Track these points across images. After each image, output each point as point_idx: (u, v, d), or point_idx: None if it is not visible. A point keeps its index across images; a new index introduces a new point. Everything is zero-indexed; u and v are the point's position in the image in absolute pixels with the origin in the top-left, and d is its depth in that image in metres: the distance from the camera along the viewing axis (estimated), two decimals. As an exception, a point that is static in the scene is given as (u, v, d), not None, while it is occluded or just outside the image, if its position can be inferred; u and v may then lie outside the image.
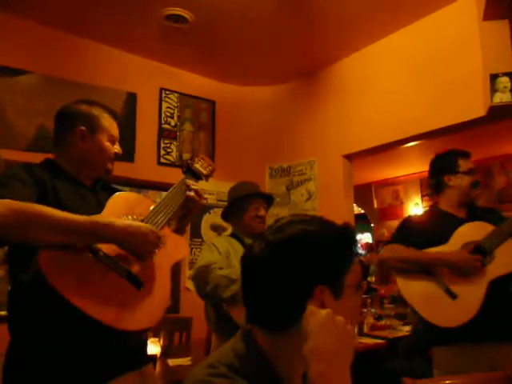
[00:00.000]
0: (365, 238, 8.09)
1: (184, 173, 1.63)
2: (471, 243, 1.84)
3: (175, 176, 3.70)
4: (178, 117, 3.89)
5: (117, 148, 1.44)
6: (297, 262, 0.75)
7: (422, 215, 2.23)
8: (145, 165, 3.58)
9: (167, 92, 3.85)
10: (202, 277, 1.92)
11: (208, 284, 1.89)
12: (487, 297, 1.74)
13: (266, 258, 0.76)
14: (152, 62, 3.78)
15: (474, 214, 1.99)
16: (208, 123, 4.08)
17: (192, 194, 1.51)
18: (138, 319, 1.14)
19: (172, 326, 3.11)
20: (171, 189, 1.49)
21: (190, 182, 1.56)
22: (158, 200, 1.45)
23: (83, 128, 1.35)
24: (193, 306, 2.19)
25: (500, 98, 2.51)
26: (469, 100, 2.77)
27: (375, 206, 7.11)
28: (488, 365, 1.67)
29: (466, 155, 2.10)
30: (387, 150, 3.58)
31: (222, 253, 2.05)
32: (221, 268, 1.93)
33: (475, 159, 6.37)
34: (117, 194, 1.40)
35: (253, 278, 0.80)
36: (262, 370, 0.74)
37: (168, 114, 3.83)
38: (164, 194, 1.49)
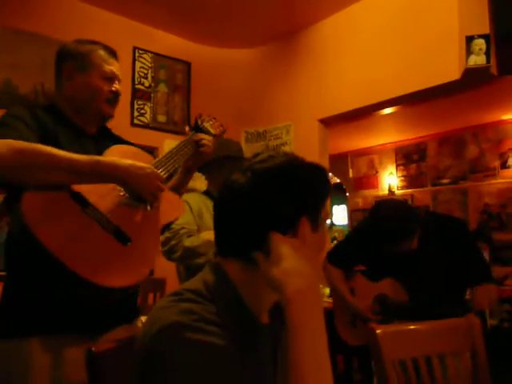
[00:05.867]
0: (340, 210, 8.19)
1: (191, 130, 1.53)
2: (384, 297, 2.01)
3: (149, 138, 3.66)
4: (152, 77, 3.78)
5: (114, 86, 1.31)
6: (284, 191, 0.74)
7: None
8: (117, 126, 3.43)
9: (141, 51, 3.72)
10: (169, 244, 1.90)
11: (175, 252, 1.89)
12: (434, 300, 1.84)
13: (252, 186, 0.74)
14: (125, 19, 3.63)
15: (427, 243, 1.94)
16: (183, 85, 3.98)
17: (205, 149, 1.45)
18: (117, 276, 1.10)
19: (146, 287, 3.14)
20: (176, 146, 1.42)
21: (201, 135, 1.48)
22: (160, 156, 1.37)
23: (69, 66, 1.27)
24: (167, 267, 2.19)
25: (475, 60, 2.53)
26: (444, 62, 2.77)
27: (351, 175, 7.17)
28: None
29: None
30: (363, 115, 3.59)
31: (195, 211, 2.03)
32: (189, 235, 1.91)
33: (448, 129, 6.46)
34: (114, 146, 1.32)
35: (234, 209, 0.76)
36: (231, 299, 0.74)
37: (142, 75, 3.71)
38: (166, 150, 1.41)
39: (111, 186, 1.20)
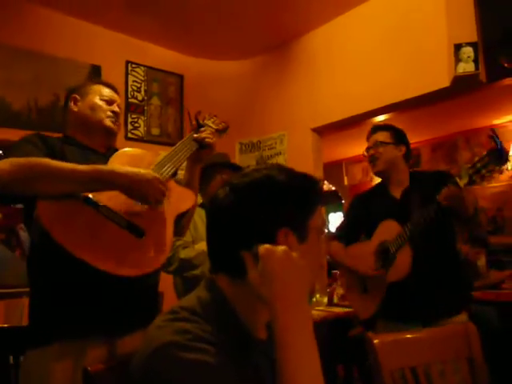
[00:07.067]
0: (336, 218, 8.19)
1: (193, 130, 1.57)
2: (384, 243, 1.94)
3: (143, 151, 3.64)
4: (145, 91, 3.79)
5: (115, 108, 1.46)
6: (259, 204, 0.74)
7: (366, 193, 2.27)
8: (112, 140, 3.48)
9: (133, 65, 3.74)
10: None
11: (171, 265, 1.92)
12: (416, 280, 1.83)
13: (230, 202, 0.76)
14: (117, 33, 3.64)
15: (417, 184, 1.99)
16: (176, 98, 4.00)
17: (208, 141, 1.48)
18: (137, 265, 1.16)
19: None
20: (178, 143, 1.48)
21: (202, 130, 1.52)
22: (164, 154, 1.43)
23: (74, 96, 1.45)
24: (164, 281, 2.19)
25: (464, 68, 2.56)
26: (434, 70, 2.80)
27: (346, 182, 7.20)
28: None
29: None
30: (356, 123, 3.60)
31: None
32: (185, 247, 1.92)
33: (441, 135, 6.47)
34: (120, 150, 1.41)
35: (217, 225, 0.79)
36: (225, 316, 0.74)
37: (135, 88, 3.73)
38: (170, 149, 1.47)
39: None
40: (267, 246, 0.70)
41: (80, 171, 1.14)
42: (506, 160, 1.60)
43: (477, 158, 1.64)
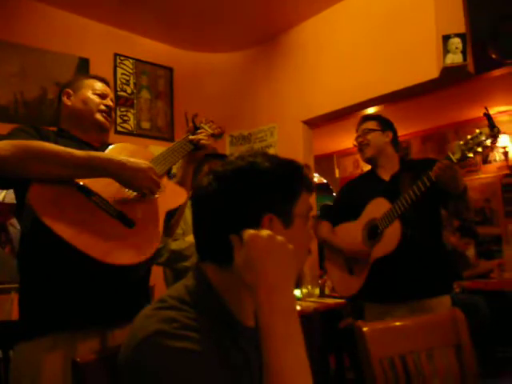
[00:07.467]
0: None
1: (190, 132, 1.59)
2: (373, 220, 1.96)
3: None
4: (135, 84, 3.76)
5: (108, 102, 1.47)
6: (243, 190, 0.74)
7: (356, 179, 2.31)
8: (101, 134, 3.45)
9: (122, 58, 3.71)
10: None
11: (161, 256, 1.93)
12: (402, 259, 1.85)
13: (214, 189, 0.76)
14: (105, 26, 3.61)
15: (406, 168, 2.02)
16: (166, 91, 3.97)
17: (203, 142, 1.52)
18: (126, 254, 1.16)
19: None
20: (174, 143, 1.51)
21: (198, 132, 1.55)
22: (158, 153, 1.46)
23: (67, 91, 1.46)
24: (154, 274, 2.19)
25: (452, 59, 2.57)
26: (423, 62, 2.81)
27: (337, 175, 7.23)
28: None
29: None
30: (346, 115, 3.61)
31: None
32: (175, 239, 1.92)
33: (430, 127, 6.52)
34: (116, 144, 1.42)
35: (202, 213, 0.79)
36: (212, 304, 0.74)
37: (123, 81, 3.70)
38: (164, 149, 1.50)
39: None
40: (251, 230, 0.70)
41: (76, 155, 1.15)
42: (498, 136, 1.62)
43: (469, 136, 1.66)
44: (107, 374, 0.93)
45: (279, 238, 0.70)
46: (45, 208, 1.09)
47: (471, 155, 1.65)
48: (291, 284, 0.69)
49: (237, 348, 0.73)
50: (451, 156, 1.70)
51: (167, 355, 0.63)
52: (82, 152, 1.16)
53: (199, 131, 1.56)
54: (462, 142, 1.68)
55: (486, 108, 1.62)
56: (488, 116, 1.61)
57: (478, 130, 1.65)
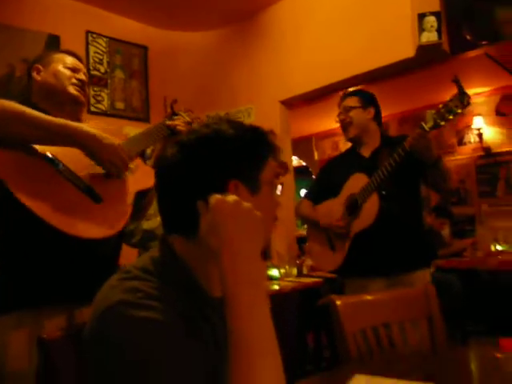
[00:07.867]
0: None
1: (167, 117, 1.60)
2: (352, 195, 1.98)
3: (108, 125, 3.55)
4: (108, 63, 3.66)
5: (81, 75, 1.43)
6: (207, 156, 0.73)
7: (336, 157, 2.36)
8: (73, 114, 3.36)
9: (94, 35, 3.59)
10: (128, 229, 1.91)
11: (134, 236, 1.95)
12: (380, 233, 1.86)
13: (178, 158, 0.74)
14: (77, 2, 3.48)
15: (387, 144, 2.03)
16: (140, 70, 3.88)
17: (179, 128, 1.51)
18: (93, 228, 1.16)
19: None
20: (151, 126, 1.51)
21: (175, 118, 1.55)
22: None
23: (37, 66, 1.41)
24: (130, 256, 2.17)
25: (427, 37, 2.58)
26: (399, 40, 2.82)
27: (316, 157, 7.24)
28: None
29: None
30: (324, 95, 3.60)
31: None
32: (147, 219, 1.93)
33: (407, 108, 6.54)
34: (89, 122, 1.40)
35: (166, 183, 0.77)
36: (178, 274, 0.73)
37: (96, 60, 3.59)
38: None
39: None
40: (218, 195, 0.68)
41: (49, 119, 1.13)
42: (468, 103, 1.65)
43: (441, 105, 1.68)
44: (74, 351, 0.91)
45: (246, 204, 0.68)
46: (10, 174, 1.08)
47: (443, 123, 1.68)
48: (257, 251, 0.68)
49: (203, 318, 0.72)
50: (424, 125, 1.73)
51: (130, 325, 0.62)
52: (57, 119, 1.15)
53: (177, 117, 1.56)
54: (433, 111, 1.71)
55: (455, 76, 1.64)
56: (458, 82, 1.63)
57: (448, 98, 1.66)
